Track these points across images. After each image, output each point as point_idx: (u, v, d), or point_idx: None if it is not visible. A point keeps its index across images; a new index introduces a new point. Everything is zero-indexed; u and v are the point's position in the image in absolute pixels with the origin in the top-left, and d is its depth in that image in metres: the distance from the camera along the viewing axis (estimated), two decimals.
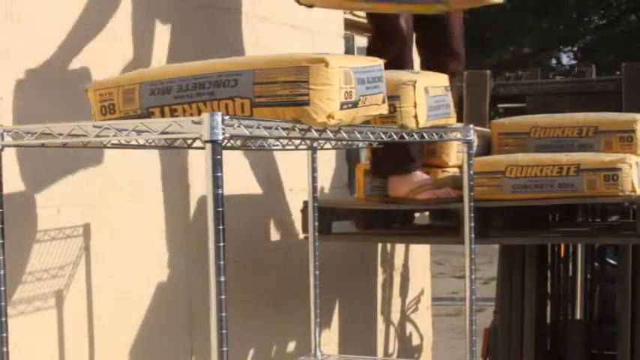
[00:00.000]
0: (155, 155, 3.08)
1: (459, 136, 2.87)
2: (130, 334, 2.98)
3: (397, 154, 3.25)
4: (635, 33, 18.99)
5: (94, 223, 2.84)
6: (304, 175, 3.25)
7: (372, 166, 3.40)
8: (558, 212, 4.13)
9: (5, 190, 2.22)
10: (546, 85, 4.55)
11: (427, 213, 3.99)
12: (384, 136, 2.50)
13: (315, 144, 2.83)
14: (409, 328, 5.04)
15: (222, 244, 1.83)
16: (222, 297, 1.83)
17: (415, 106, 2.69)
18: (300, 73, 2.09)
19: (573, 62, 20.29)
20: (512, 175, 3.16)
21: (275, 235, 3.75)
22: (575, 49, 20.84)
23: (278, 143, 2.54)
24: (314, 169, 3.20)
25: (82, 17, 2.82)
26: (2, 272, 2.19)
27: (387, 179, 3.35)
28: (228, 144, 2.42)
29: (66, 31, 2.76)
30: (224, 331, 1.83)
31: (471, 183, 2.87)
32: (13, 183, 2.53)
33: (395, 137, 2.57)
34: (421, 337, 5.17)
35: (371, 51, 3.27)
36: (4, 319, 2.20)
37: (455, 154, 3.40)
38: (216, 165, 1.83)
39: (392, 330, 4.82)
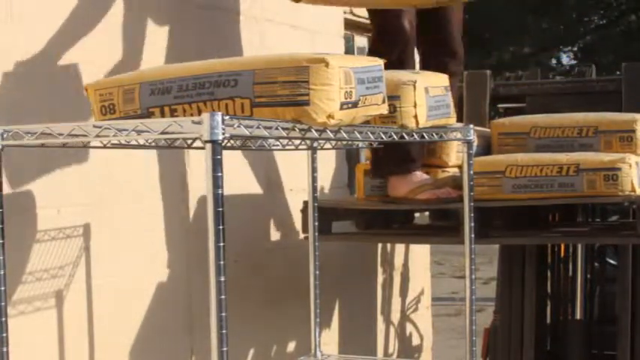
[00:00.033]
0: (155, 155, 3.08)
1: (459, 136, 2.87)
2: (130, 334, 2.98)
3: (398, 155, 3.25)
4: (635, 33, 18.99)
5: (94, 223, 2.84)
6: (304, 175, 3.25)
7: (373, 166, 3.40)
8: (558, 212, 4.13)
9: (5, 190, 2.22)
10: (546, 85, 4.55)
11: (427, 213, 3.98)
12: (384, 136, 2.50)
13: (315, 144, 2.83)
14: (409, 328, 5.04)
15: (222, 244, 1.83)
16: (222, 297, 1.83)
17: (415, 106, 2.69)
18: (300, 73, 2.09)
19: (573, 62, 20.29)
20: (512, 175, 3.16)
21: (275, 235, 3.75)
22: (575, 49, 20.84)
23: (278, 143, 2.55)
24: (314, 169, 3.20)
25: (82, 17, 2.82)
26: (2, 272, 2.19)
27: (387, 179, 3.35)
28: (228, 144, 2.42)
29: (66, 32, 2.76)
30: (224, 331, 1.83)
31: (471, 183, 2.87)
32: (13, 183, 2.53)
33: (395, 137, 2.57)
34: (421, 337, 5.17)
35: (373, 51, 3.26)
36: (4, 319, 2.20)
37: (455, 154, 3.40)
38: (216, 165, 1.83)
39: (392, 330, 4.82)
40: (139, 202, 3.02)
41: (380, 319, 4.68)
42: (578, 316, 4.08)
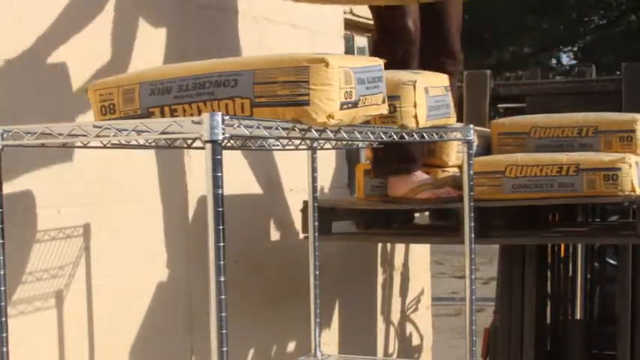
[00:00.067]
0: (155, 155, 3.07)
1: (459, 136, 2.87)
2: (130, 334, 2.98)
3: (399, 155, 3.25)
4: (635, 33, 19.00)
5: (94, 223, 2.84)
6: (304, 175, 3.25)
7: (374, 166, 3.40)
8: (558, 212, 4.13)
9: (5, 190, 2.22)
10: (546, 85, 4.55)
11: (427, 213, 3.98)
12: (384, 136, 2.50)
13: (315, 144, 2.83)
14: (409, 328, 5.04)
15: (222, 244, 1.83)
16: (222, 297, 1.83)
17: (415, 106, 2.69)
18: (300, 73, 2.09)
19: (573, 62, 20.30)
20: (512, 174, 3.16)
21: (275, 235, 3.75)
22: (575, 49, 20.86)
23: (278, 143, 2.55)
24: (314, 169, 3.20)
25: (82, 17, 2.82)
26: (2, 272, 2.19)
27: (387, 179, 3.35)
28: (228, 144, 2.42)
29: (66, 31, 2.76)
30: (224, 331, 1.83)
31: (471, 183, 2.87)
32: (13, 183, 2.53)
33: (395, 137, 2.57)
34: (421, 337, 5.17)
35: (376, 51, 3.26)
36: (4, 319, 2.20)
37: (455, 154, 3.40)
38: (216, 165, 1.83)
39: (392, 330, 4.82)
40: (139, 202, 3.02)
41: (380, 319, 4.68)
42: (578, 316, 4.08)
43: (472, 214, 2.87)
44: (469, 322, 2.90)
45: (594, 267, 4.34)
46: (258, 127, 2.02)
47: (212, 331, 1.83)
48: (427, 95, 2.75)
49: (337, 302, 4.22)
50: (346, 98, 2.16)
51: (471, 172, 2.86)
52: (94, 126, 2.06)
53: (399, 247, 4.88)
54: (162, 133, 1.96)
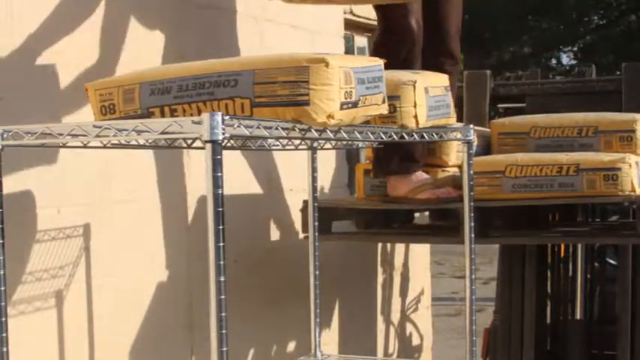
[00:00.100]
0: (155, 155, 3.07)
1: (459, 136, 2.87)
2: (130, 334, 2.98)
3: (399, 155, 3.25)
4: (635, 33, 19.01)
5: (94, 223, 2.84)
6: (304, 175, 3.25)
7: (375, 166, 3.40)
8: (558, 212, 4.13)
9: (5, 190, 2.22)
10: (546, 85, 4.56)
11: (427, 213, 3.98)
12: (384, 136, 2.50)
13: (315, 144, 2.83)
14: (409, 328, 5.04)
15: (222, 244, 1.83)
16: (222, 297, 1.83)
17: (415, 106, 2.69)
18: (300, 73, 2.09)
19: (573, 62, 20.32)
20: (512, 174, 3.16)
21: (275, 235, 3.75)
22: (575, 49, 20.87)
23: (278, 143, 2.55)
24: (314, 169, 3.20)
25: (82, 17, 2.82)
26: (2, 272, 2.19)
27: (387, 179, 3.35)
28: (228, 144, 2.42)
29: (66, 31, 2.76)
30: (224, 331, 1.83)
31: (471, 183, 2.87)
32: (13, 183, 2.53)
33: (395, 137, 2.57)
34: (421, 337, 5.17)
35: (379, 52, 3.25)
36: (4, 319, 2.20)
37: (455, 154, 3.40)
38: (216, 165, 1.83)
39: (392, 330, 4.82)
40: (139, 202, 3.02)
41: (380, 319, 4.68)
42: (578, 316, 4.09)
43: (472, 214, 2.87)
44: (469, 322, 2.90)
45: (594, 267, 4.34)
46: (258, 127, 2.02)
47: (212, 331, 1.83)
48: (427, 95, 2.75)
49: (337, 302, 4.22)
50: (346, 98, 2.16)
51: (471, 172, 2.86)
52: (94, 126, 2.06)
53: (399, 247, 4.88)
54: (162, 133, 1.96)
